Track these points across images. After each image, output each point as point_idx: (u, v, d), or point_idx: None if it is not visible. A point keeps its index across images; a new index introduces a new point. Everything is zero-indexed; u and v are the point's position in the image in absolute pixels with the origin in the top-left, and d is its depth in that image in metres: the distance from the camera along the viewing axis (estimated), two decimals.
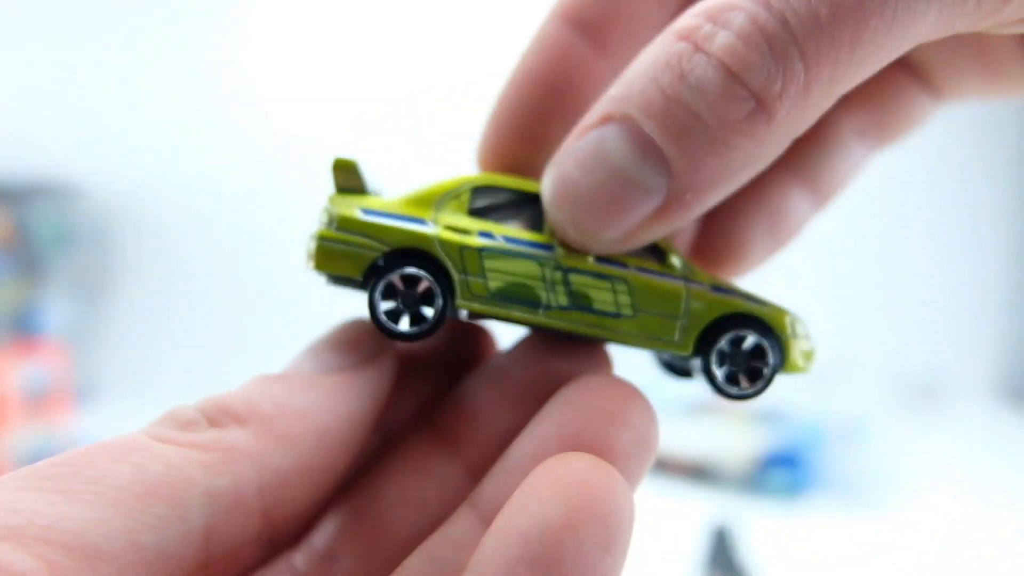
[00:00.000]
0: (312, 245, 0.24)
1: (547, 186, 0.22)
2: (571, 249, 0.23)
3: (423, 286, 0.23)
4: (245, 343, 1.35)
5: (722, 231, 0.28)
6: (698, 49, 0.19)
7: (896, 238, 1.56)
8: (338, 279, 0.24)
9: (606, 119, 0.20)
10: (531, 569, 0.16)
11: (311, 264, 0.24)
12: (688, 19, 0.20)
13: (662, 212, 0.21)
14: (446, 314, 0.23)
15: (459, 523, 0.21)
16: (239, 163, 1.37)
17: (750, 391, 0.23)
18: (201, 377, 1.34)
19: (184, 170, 1.36)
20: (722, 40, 0.18)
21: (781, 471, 0.90)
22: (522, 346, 0.25)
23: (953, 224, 1.57)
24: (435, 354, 0.26)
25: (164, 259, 1.37)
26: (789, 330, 0.24)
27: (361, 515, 0.23)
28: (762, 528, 0.79)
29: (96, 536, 0.16)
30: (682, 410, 1.05)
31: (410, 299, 0.23)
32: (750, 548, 0.74)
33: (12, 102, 1.32)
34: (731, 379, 0.23)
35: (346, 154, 0.24)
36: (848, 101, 0.28)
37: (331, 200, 0.24)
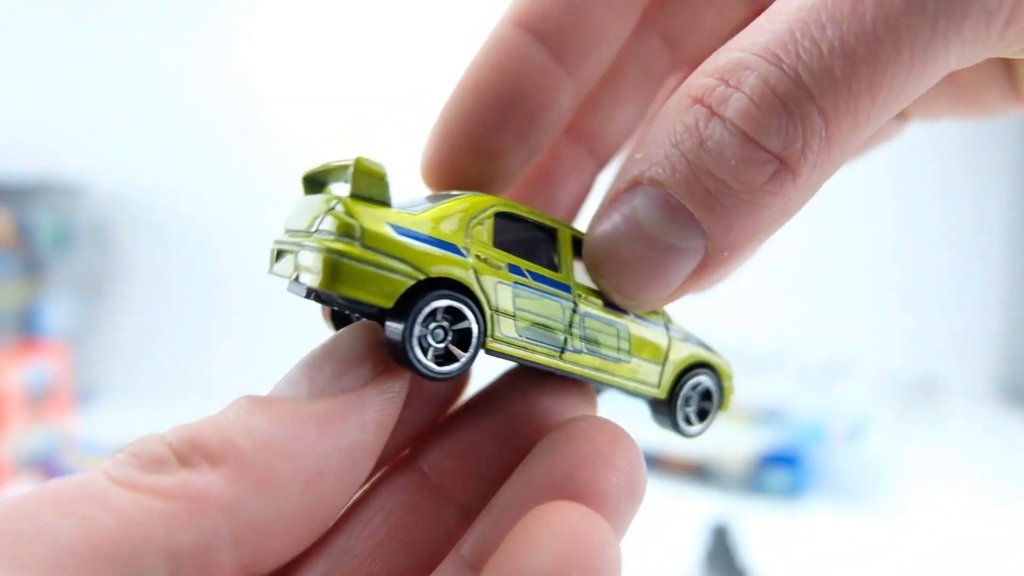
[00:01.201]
0: (320, 260, 0.19)
1: (588, 252, 0.22)
2: (587, 292, 0.22)
3: (462, 324, 0.20)
4: (245, 343, 1.35)
5: None
6: (713, 114, 0.18)
7: (896, 239, 1.56)
8: (348, 302, 0.20)
9: (635, 184, 0.20)
10: None
11: (320, 281, 0.18)
12: (701, 79, 0.19)
13: (702, 270, 0.20)
14: (477, 353, 0.21)
15: (447, 574, 0.20)
16: (239, 163, 1.37)
17: (700, 429, 0.25)
18: (201, 377, 1.34)
19: (185, 170, 1.36)
20: (737, 104, 0.18)
21: (781, 471, 0.90)
22: (509, 380, 0.24)
23: (953, 225, 1.57)
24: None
25: (165, 259, 1.37)
26: (731, 378, 0.26)
27: (344, 555, 0.21)
28: (762, 528, 0.79)
29: None
30: None
31: (441, 336, 0.20)
32: (749, 547, 0.74)
33: (13, 102, 1.32)
34: (687, 420, 0.25)
35: (373, 160, 0.20)
36: None
37: (347, 206, 0.19)
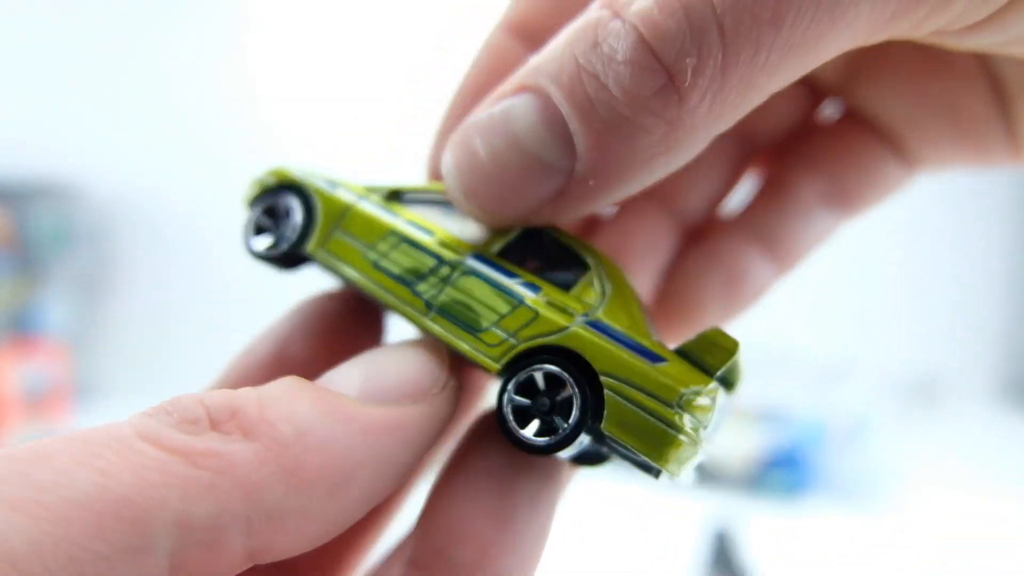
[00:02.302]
0: (693, 461, 0.19)
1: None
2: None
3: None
4: (245, 343, 1.35)
5: (676, 288, 0.27)
6: (616, 15, 0.17)
7: (896, 238, 1.56)
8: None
9: (521, 88, 0.19)
10: None
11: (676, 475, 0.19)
12: None
13: (563, 195, 0.19)
14: None
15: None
16: (237, 163, 1.37)
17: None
18: (200, 377, 1.34)
19: (183, 170, 1.36)
20: (640, 5, 0.17)
21: (781, 471, 0.90)
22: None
23: (953, 224, 1.57)
24: None
25: (163, 259, 1.37)
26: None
27: None
28: (762, 528, 0.79)
29: (33, 564, 0.13)
30: None
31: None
32: (751, 548, 0.74)
33: (12, 103, 1.32)
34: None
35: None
36: (809, 163, 0.27)
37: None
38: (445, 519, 0.19)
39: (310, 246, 0.22)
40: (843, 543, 0.80)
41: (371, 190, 0.23)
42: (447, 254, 0.20)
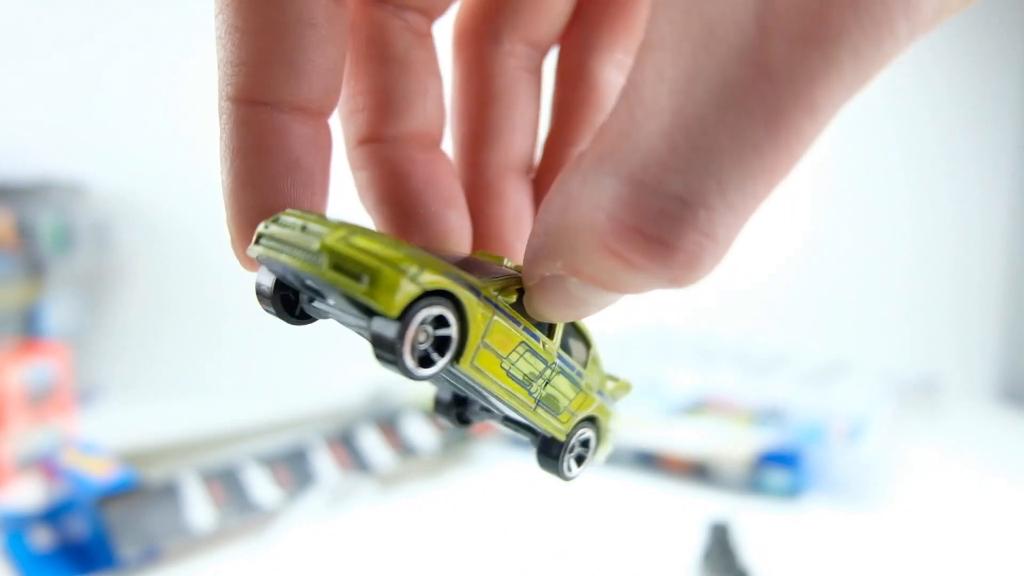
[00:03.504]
0: None
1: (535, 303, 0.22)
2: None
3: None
4: (246, 343, 1.35)
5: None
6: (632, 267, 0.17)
7: (896, 239, 1.56)
8: None
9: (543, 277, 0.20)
10: None
11: None
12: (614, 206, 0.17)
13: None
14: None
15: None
16: None
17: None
18: (203, 378, 1.35)
19: (186, 170, 1.36)
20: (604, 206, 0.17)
21: (780, 471, 0.90)
22: None
23: (953, 225, 1.57)
24: None
25: (167, 259, 1.37)
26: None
27: None
28: (761, 528, 0.79)
29: None
30: (681, 410, 1.05)
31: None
32: (749, 548, 0.74)
33: (14, 102, 1.33)
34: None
35: None
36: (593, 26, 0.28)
37: None
38: None
39: (463, 362, 0.20)
40: (842, 542, 0.80)
41: (486, 286, 0.21)
42: (549, 357, 0.23)
